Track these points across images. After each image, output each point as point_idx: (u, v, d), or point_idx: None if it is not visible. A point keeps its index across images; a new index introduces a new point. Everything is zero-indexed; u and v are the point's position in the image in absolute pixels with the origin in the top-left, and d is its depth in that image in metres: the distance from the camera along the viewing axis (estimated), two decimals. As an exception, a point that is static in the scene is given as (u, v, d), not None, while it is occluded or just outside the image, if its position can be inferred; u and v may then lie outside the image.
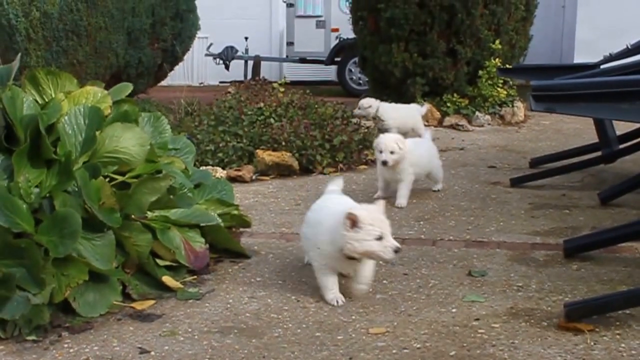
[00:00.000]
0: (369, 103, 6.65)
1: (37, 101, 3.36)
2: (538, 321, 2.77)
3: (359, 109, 6.61)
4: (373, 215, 2.83)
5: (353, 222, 2.78)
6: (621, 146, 5.12)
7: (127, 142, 3.34)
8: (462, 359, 2.48)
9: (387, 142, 4.42)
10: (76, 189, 3.07)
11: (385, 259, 2.86)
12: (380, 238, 2.79)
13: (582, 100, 2.77)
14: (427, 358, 2.49)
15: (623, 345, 2.57)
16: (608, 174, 5.18)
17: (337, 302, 2.93)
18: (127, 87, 3.86)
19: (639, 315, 2.77)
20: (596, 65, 5.00)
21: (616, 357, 2.48)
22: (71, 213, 2.90)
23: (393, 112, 6.65)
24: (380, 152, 4.42)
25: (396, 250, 2.80)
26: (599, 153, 5.16)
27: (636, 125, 5.15)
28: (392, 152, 4.38)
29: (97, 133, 3.30)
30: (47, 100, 3.41)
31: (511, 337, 2.64)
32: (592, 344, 2.58)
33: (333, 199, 3.23)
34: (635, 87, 2.77)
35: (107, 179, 3.22)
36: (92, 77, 7.03)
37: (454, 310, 2.88)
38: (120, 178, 3.29)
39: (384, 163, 4.40)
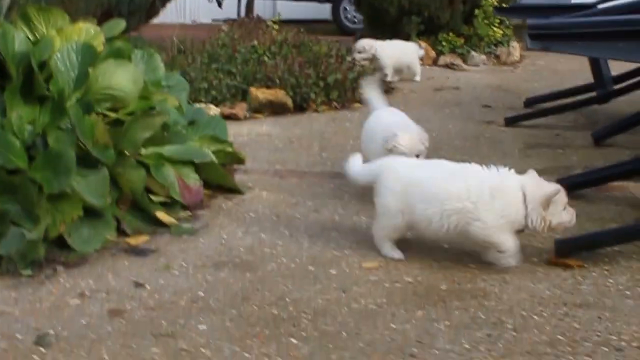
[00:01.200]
0: (369, 44, 6.59)
1: (28, 38, 3.31)
2: (529, 257, 2.80)
3: (359, 52, 6.54)
4: None
5: None
6: (615, 87, 5.10)
7: (120, 78, 3.32)
8: (453, 292, 2.52)
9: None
10: (69, 126, 3.06)
11: None
12: None
13: (579, 39, 2.76)
14: (418, 292, 2.53)
15: (611, 280, 2.61)
16: (601, 114, 5.18)
17: None
18: (120, 24, 3.81)
19: (628, 252, 2.82)
20: (594, 5, 4.94)
21: (603, 292, 2.52)
22: (65, 150, 2.90)
23: (390, 50, 6.59)
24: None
25: None
26: (593, 93, 5.15)
27: (631, 66, 5.12)
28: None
29: (90, 70, 3.27)
30: (38, 37, 3.36)
31: (502, 272, 2.67)
32: (580, 279, 2.62)
33: None
34: (632, 27, 2.75)
35: (101, 116, 3.21)
36: (83, 15, 6.90)
37: (446, 245, 2.90)
38: (114, 115, 3.28)
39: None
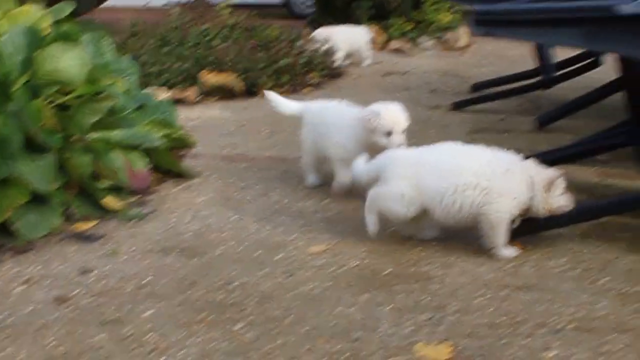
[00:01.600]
0: (325, 33, 6.55)
1: (-27, 21, 3.22)
2: (472, 240, 2.82)
3: (317, 42, 6.48)
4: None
5: None
6: (559, 73, 5.16)
7: (67, 62, 3.24)
8: (398, 276, 2.52)
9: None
10: (16, 111, 2.98)
11: None
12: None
13: (521, 25, 2.77)
14: (363, 275, 2.53)
15: (551, 262, 2.65)
16: (545, 99, 5.23)
17: None
18: (67, 7, 3.72)
19: (568, 235, 2.85)
20: (538, -8, 4.99)
21: (543, 274, 2.56)
22: (10, 134, 2.83)
23: (342, 35, 6.57)
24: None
25: None
26: (537, 79, 5.21)
27: (574, 53, 5.20)
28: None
29: (36, 53, 3.19)
30: (-17, 20, 3.26)
31: (446, 255, 2.69)
32: (521, 261, 2.65)
33: None
34: (572, 14, 2.78)
35: (49, 100, 3.13)
36: (35, -2, 6.73)
37: (391, 229, 2.91)
38: (61, 99, 3.20)
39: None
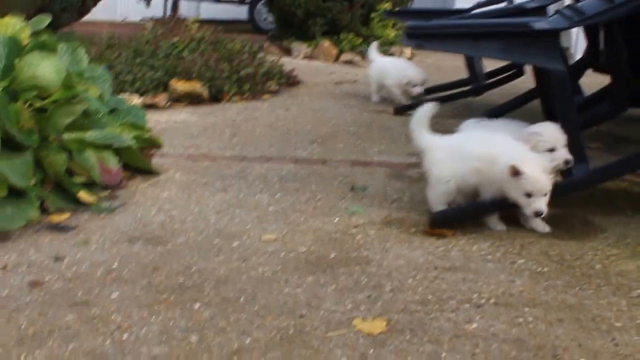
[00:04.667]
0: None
1: (-44, 31, 3.13)
2: (408, 228, 2.84)
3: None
4: None
5: None
6: (488, 81, 5.22)
7: (45, 69, 3.17)
8: (340, 261, 2.52)
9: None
10: (-5, 113, 2.90)
11: None
12: None
13: (447, 38, 2.80)
14: (310, 260, 2.52)
15: (475, 247, 2.67)
16: (476, 105, 5.29)
17: None
18: (46, 19, 3.66)
19: (491, 223, 2.88)
20: (468, 11, 5.03)
21: (468, 257, 2.58)
22: (-11, 134, 2.75)
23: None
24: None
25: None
26: (469, 87, 5.26)
27: (500, 64, 5.26)
28: None
29: (16, 61, 3.12)
30: (-34, 31, 3.18)
31: (383, 241, 2.70)
32: (450, 246, 2.67)
33: None
34: (491, 29, 2.83)
35: (28, 104, 3.06)
36: (18, 12, 6.58)
37: (336, 220, 2.91)
38: (39, 103, 3.13)
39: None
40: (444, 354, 1.93)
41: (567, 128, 2.86)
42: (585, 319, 2.14)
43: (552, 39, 2.83)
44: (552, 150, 2.87)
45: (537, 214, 2.68)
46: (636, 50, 3.24)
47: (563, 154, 2.88)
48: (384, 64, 5.59)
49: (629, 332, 2.08)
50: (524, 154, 2.75)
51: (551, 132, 2.92)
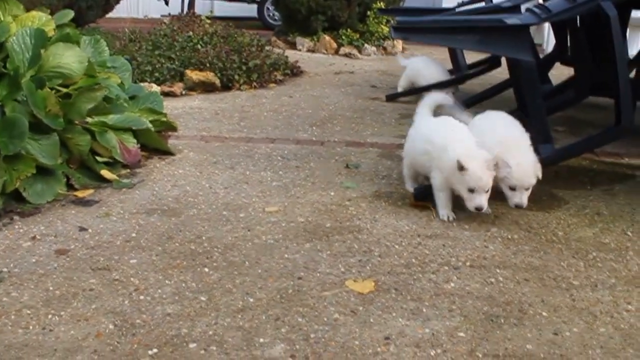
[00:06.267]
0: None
1: (-12, 24, 3.10)
2: (395, 201, 2.83)
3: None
4: None
5: None
6: (470, 71, 5.17)
7: (69, 59, 3.16)
8: (335, 229, 2.52)
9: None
10: (25, 99, 2.89)
11: None
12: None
13: (429, 32, 2.78)
14: (308, 229, 2.52)
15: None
16: (460, 92, 5.24)
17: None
18: (69, 13, 3.63)
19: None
20: (453, 9, 4.97)
21: (448, 226, 2.58)
22: (19, 117, 2.74)
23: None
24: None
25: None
26: (453, 76, 5.21)
27: (481, 56, 5.20)
28: None
29: (42, 51, 3.10)
30: (-3, 23, 3.15)
31: (373, 213, 2.69)
32: (432, 217, 2.67)
33: None
34: (468, 24, 2.81)
35: (53, 91, 3.05)
36: (45, 8, 6.52)
37: (332, 194, 2.90)
38: (64, 90, 3.12)
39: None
40: (425, 310, 1.94)
41: (534, 112, 2.84)
42: (548, 279, 2.15)
43: (522, 33, 2.81)
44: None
45: (478, 209, 2.51)
46: (597, 46, 3.21)
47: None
48: (417, 66, 5.15)
49: (585, 289, 2.09)
50: (470, 149, 2.55)
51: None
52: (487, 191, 2.53)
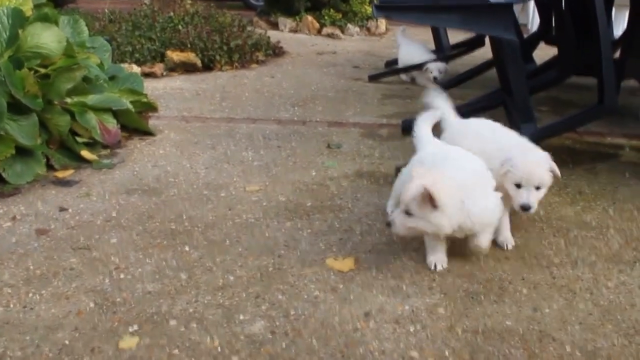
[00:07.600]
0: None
1: (-38, 3, 3.04)
2: (377, 180, 2.84)
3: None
4: None
5: None
6: (452, 52, 5.18)
7: (47, 39, 3.10)
8: (316, 208, 2.52)
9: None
10: (3, 79, 2.84)
11: None
12: None
13: (412, 10, 2.77)
14: (289, 208, 2.52)
15: (436, 196, 2.67)
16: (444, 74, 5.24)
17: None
18: (47, -7, 3.55)
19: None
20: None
21: (429, 205, 2.58)
22: (-3, 98, 2.69)
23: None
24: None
25: None
26: (435, 57, 5.20)
27: (463, 36, 5.21)
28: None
29: (20, 31, 3.04)
30: (-29, 3, 3.09)
31: (355, 192, 2.70)
32: (413, 195, 2.67)
33: None
34: (451, 3, 2.81)
35: (33, 71, 3.00)
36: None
37: (313, 173, 2.90)
38: (43, 70, 3.07)
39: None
40: (405, 287, 1.95)
41: (517, 90, 2.86)
42: (529, 257, 2.17)
43: (505, 11, 2.81)
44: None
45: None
46: (581, 25, 3.23)
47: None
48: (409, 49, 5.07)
49: (565, 266, 2.12)
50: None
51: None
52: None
